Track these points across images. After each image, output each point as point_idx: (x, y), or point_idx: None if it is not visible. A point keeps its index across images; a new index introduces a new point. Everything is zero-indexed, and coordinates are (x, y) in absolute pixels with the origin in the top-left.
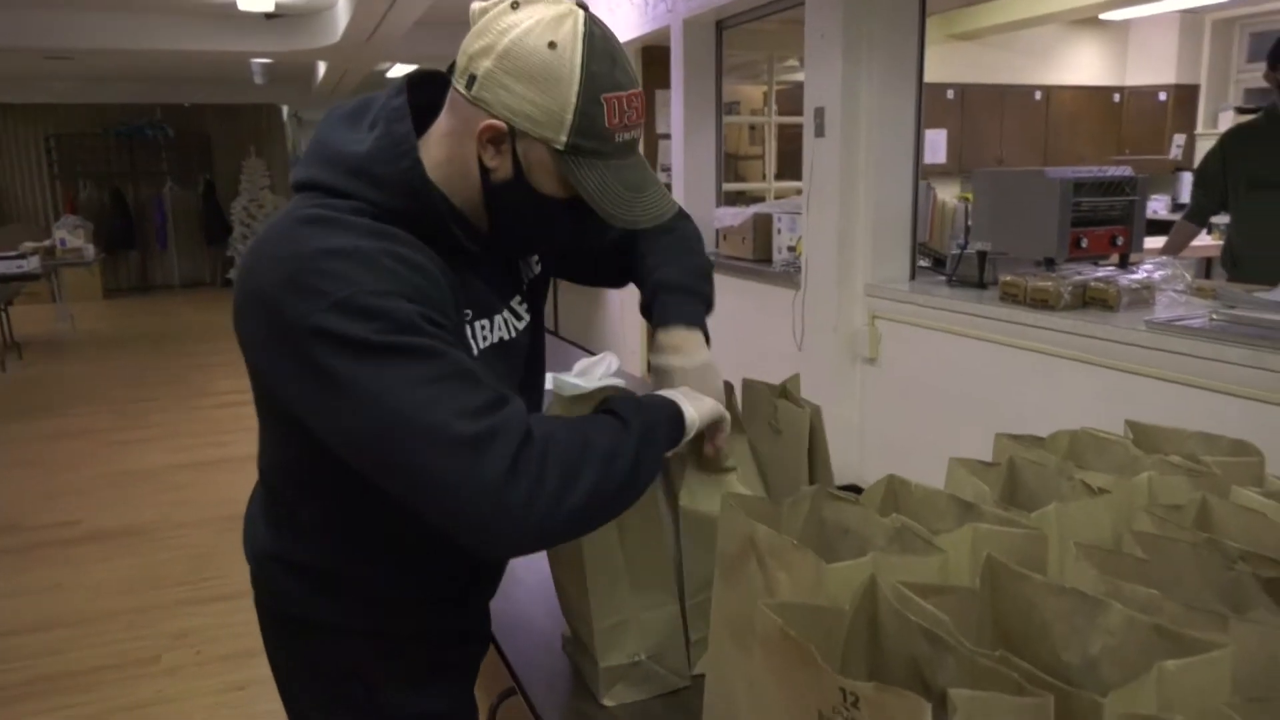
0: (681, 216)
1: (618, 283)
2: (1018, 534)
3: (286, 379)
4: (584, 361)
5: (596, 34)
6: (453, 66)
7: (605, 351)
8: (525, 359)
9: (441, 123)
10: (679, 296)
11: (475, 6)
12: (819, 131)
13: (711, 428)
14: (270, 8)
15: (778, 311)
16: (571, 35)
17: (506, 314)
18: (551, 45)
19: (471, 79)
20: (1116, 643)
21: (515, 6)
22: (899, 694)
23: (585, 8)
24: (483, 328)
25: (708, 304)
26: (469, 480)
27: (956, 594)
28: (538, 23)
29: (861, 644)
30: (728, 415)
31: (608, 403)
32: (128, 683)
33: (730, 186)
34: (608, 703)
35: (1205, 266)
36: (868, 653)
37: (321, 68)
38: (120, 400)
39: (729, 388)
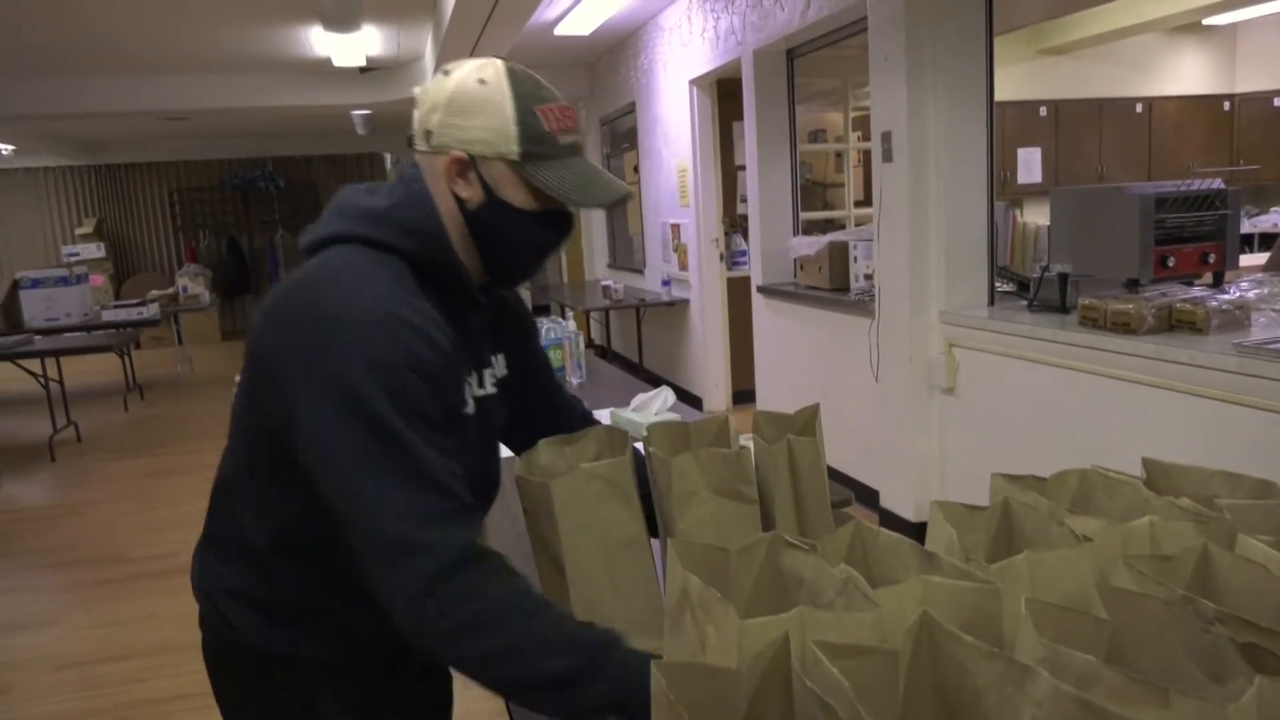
0: None
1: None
2: (968, 588)
3: (295, 404)
4: (641, 396)
5: (517, 69)
6: (412, 140)
7: (662, 387)
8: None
9: None
10: None
11: (417, 90)
12: (887, 156)
13: None
14: (362, 63)
15: (855, 341)
16: (495, 72)
17: (495, 367)
18: (481, 82)
19: (429, 134)
20: (1044, 715)
21: (446, 74)
22: None
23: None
24: (478, 380)
25: None
26: (389, 579)
27: (878, 656)
28: (467, 73)
29: (777, 708)
30: None
31: (599, 638)
32: (200, 711)
33: (818, 214)
34: None
35: None
36: (783, 718)
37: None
38: (223, 437)
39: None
